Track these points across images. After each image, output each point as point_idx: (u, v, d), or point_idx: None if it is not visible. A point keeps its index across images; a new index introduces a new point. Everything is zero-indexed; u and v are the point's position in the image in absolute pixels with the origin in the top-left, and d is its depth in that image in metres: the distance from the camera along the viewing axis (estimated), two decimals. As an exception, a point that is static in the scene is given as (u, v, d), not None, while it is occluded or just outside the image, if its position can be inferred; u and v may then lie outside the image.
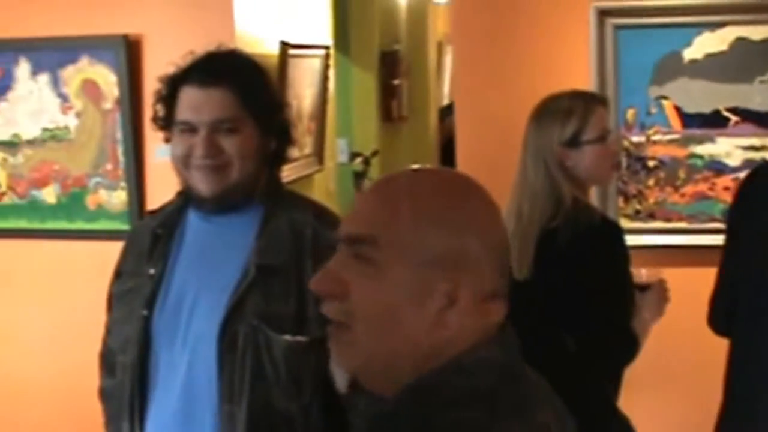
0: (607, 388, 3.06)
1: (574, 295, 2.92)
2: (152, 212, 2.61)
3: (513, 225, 2.99)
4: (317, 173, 5.14)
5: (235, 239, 2.42)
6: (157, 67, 4.00)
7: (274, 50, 4.45)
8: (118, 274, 2.62)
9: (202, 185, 2.38)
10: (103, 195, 4.17)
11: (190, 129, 2.36)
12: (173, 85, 2.41)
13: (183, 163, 2.40)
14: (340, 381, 1.53)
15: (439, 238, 1.37)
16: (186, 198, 2.49)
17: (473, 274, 1.37)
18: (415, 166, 1.55)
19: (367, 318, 1.37)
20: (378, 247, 1.37)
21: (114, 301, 2.61)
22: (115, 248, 3.89)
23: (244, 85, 2.38)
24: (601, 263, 2.94)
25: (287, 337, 2.33)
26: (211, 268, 2.43)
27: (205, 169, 2.36)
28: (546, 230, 2.98)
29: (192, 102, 2.36)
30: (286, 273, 2.36)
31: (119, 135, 4.12)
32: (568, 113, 3.04)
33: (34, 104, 4.22)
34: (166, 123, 2.45)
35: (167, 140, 2.47)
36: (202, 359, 2.36)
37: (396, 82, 7.78)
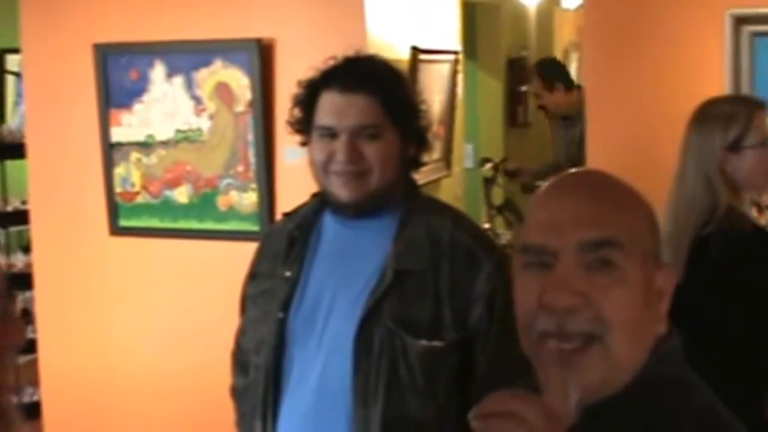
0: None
1: (723, 305, 2.87)
2: (287, 214, 2.63)
3: (668, 229, 2.94)
4: (445, 178, 5.14)
5: (372, 243, 2.42)
6: (289, 71, 4.08)
7: (404, 55, 4.45)
8: (253, 275, 2.64)
9: (342, 191, 2.38)
10: (234, 196, 4.22)
11: (331, 134, 2.37)
12: (313, 89, 2.42)
13: (322, 169, 2.40)
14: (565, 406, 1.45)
15: (654, 235, 1.39)
16: (322, 200, 2.50)
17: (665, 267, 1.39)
18: (580, 168, 1.54)
19: (624, 326, 1.33)
20: (622, 249, 1.34)
21: (248, 302, 2.64)
22: (245, 249, 3.93)
23: (386, 92, 2.38)
24: (753, 273, 2.88)
25: (423, 341, 2.32)
26: (347, 271, 2.43)
27: (345, 175, 2.36)
28: (699, 237, 2.93)
29: (333, 107, 2.37)
30: (422, 277, 2.36)
31: (251, 137, 4.16)
32: (730, 118, 2.98)
33: (169, 106, 4.30)
34: (302, 127, 2.46)
35: (303, 144, 2.48)
36: (337, 361, 2.37)
37: (523, 88, 7.74)
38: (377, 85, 2.38)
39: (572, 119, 6.48)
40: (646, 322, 1.36)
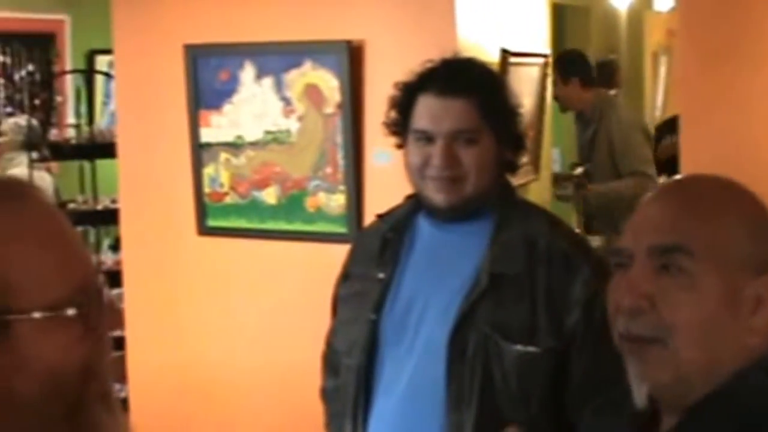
0: None
1: None
2: (381, 216, 2.62)
3: None
4: (533, 182, 5.09)
5: (467, 247, 2.40)
6: (378, 73, 4.07)
7: (494, 58, 4.42)
8: (346, 276, 2.63)
9: (438, 196, 2.37)
10: (322, 198, 4.22)
11: (427, 138, 2.35)
12: (410, 92, 2.40)
13: (418, 173, 2.39)
14: (639, 397, 1.49)
15: (747, 242, 1.38)
16: (416, 203, 2.49)
17: None
18: (691, 175, 1.54)
19: (687, 331, 1.36)
20: (691, 256, 1.36)
21: (340, 303, 2.63)
22: (332, 251, 3.94)
23: (484, 96, 2.36)
24: None
25: (518, 347, 2.30)
26: (441, 274, 2.41)
27: (441, 180, 2.35)
28: None
29: (431, 111, 2.35)
30: (518, 282, 2.33)
31: (339, 139, 4.16)
32: None
33: (258, 107, 4.31)
34: (399, 129, 2.44)
35: (399, 146, 2.47)
36: (429, 365, 2.35)
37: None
38: (475, 89, 2.36)
39: (587, 118, 6.40)
40: (722, 329, 1.37)
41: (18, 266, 1.22)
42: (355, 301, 2.53)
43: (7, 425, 1.22)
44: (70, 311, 1.25)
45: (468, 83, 2.37)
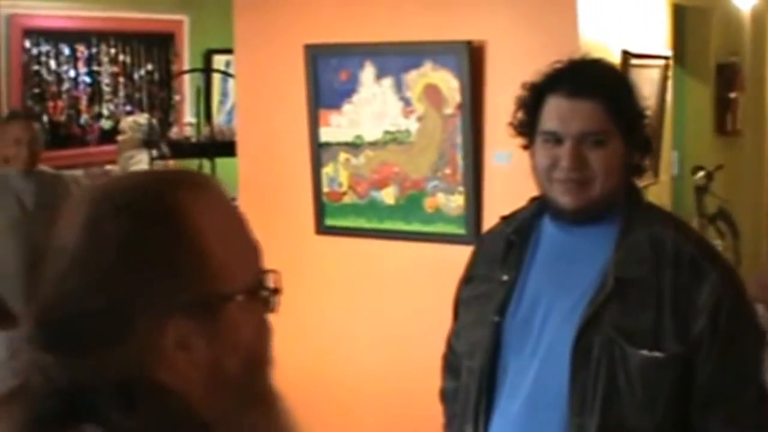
0: None
1: None
2: (505, 218, 2.60)
3: None
4: (652, 185, 5.02)
5: (592, 250, 2.37)
6: (499, 74, 4.06)
7: (615, 59, 4.37)
8: (469, 278, 2.62)
9: (564, 198, 2.34)
10: (440, 198, 4.22)
11: (555, 140, 2.33)
12: (538, 92, 2.38)
13: (545, 174, 2.36)
14: None
15: None
16: (541, 205, 2.47)
17: None
18: None
19: None
20: None
21: (462, 305, 2.62)
22: (450, 252, 3.94)
23: (613, 98, 2.33)
24: None
25: (644, 351, 2.26)
26: (566, 277, 2.39)
27: (568, 182, 2.32)
28: None
29: (559, 113, 2.33)
30: (644, 286, 2.29)
31: (459, 140, 4.15)
32: None
33: (378, 107, 4.32)
34: (526, 130, 2.43)
35: (525, 147, 2.45)
36: (553, 368, 2.33)
37: (732, 95, 7.51)
38: (604, 90, 2.33)
39: None
40: None
41: (219, 252, 1.26)
42: (478, 304, 2.51)
43: (219, 405, 1.27)
44: (264, 293, 1.32)
45: (597, 85, 2.34)
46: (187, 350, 1.24)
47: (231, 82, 8.97)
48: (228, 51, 8.90)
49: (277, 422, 1.34)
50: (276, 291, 1.33)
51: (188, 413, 1.24)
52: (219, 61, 9.02)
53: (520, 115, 2.43)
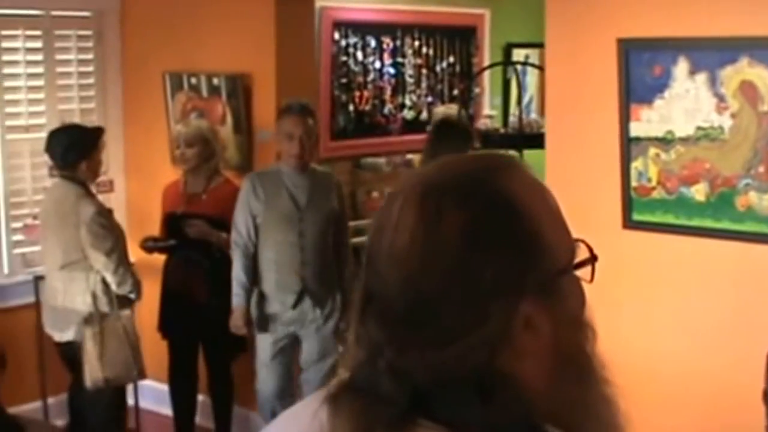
0: None
1: None
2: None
3: None
4: None
5: None
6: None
7: None
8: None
9: None
10: (752, 197, 4.13)
11: None
12: None
13: None
14: None
15: None
16: None
17: None
18: None
19: None
20: None
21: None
22: (760, 251, 3.86)
23: None
24: None
25: None
26: None
27: None
28: None
29: None
30: None
31: (777, 138, 4.06)
32: None
33: (690, 103, 4.27)
34: None
35: None
36: None
37: None
38: None
39: None
40: None
41: (547, 229, 1.30)
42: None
43: (560, 382, 1.29)
44: (585, 263, 1.34)
45: None
46: (534, 330, 1.26)
47: (529, 75, 9.07)
48: (527, 45, 9.02)
49: (611, 397, 1.34)
50: (594, 258, 1.33)
51: (534, 403, 1.25)
52: (518, 54, 9.11)
53: None
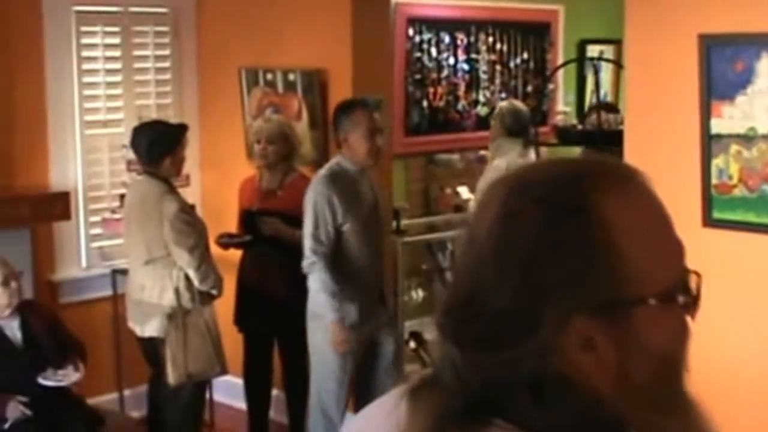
0: None
1: None
2: None
3: None
4: None
5: None
6: None
7: None
8: None
9: None
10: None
11: None
12: None
13: None
14: None
15: None
16: None
17: None
18: None
19: None
20: None
21: None
22: None
23: None
24: None
25: None
26: None
27: None
28: None
29: None
30: None
31: None
32: None
33: (772, 99, 4.21)
34: None
35: None
36: None
37: None
38: None
39: None
40: None
41: (636, 252, 1.23)
42: None
43: (628, 408, 1.23)
44: (681, 298, 1.27)
45: None
46: (593, 351, 1.21)
47: (603, 72, 8.99)
48: (601, 41, 8.95)
49: (695, 429, 1.28)
50: (697, 297, 1.28)
51: (601, 409, 1.22)
52: (592, 50, 9.05)
53: None
